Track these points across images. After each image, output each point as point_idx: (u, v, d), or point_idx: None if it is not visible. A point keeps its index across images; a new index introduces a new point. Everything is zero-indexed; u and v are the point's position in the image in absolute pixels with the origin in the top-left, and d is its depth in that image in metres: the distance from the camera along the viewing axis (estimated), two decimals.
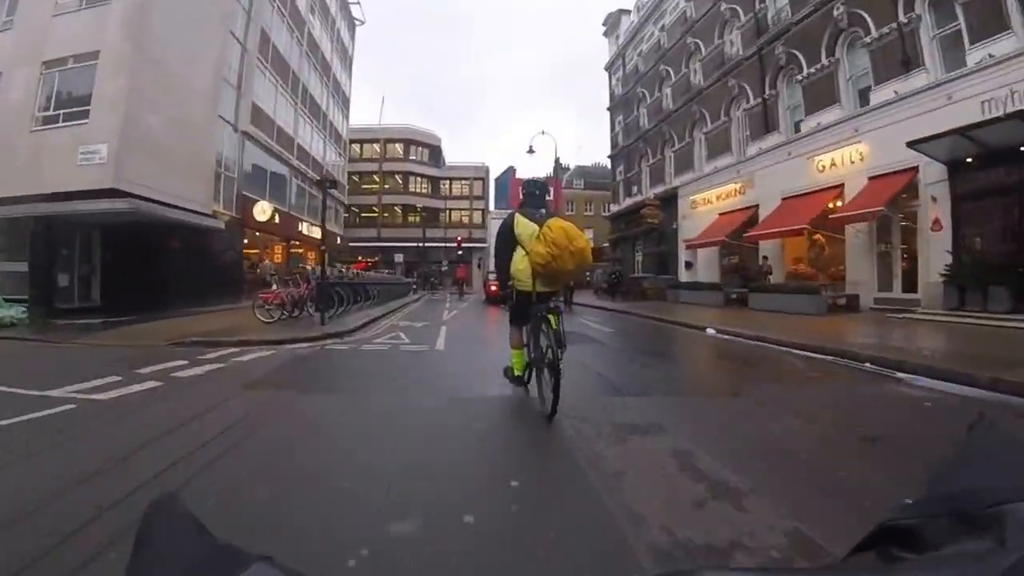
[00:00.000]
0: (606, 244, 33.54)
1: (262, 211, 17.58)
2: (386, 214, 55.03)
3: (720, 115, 21.20)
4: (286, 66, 21.16)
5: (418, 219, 53.21)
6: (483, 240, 51.32)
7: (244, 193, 17.82)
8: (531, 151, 26.16)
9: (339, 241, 29.85)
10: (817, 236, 16.46)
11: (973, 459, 0.44)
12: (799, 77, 17.10)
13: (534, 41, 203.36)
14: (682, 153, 23.92)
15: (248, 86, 17.83)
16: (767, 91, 18.68)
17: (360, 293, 14.87)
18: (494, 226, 50.66)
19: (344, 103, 32.18)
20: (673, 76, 24.95)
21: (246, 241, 20.63)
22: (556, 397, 3.57)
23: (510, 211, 4.37)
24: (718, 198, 20.82)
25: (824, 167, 15.82)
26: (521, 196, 4.36)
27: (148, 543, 0.36)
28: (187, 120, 14.33)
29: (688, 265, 22.88)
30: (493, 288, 17.12)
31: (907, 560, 0.36)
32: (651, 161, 26.83)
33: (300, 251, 27.30)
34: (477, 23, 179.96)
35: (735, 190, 19.78)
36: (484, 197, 55.10)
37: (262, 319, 9.70)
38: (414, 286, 28.22)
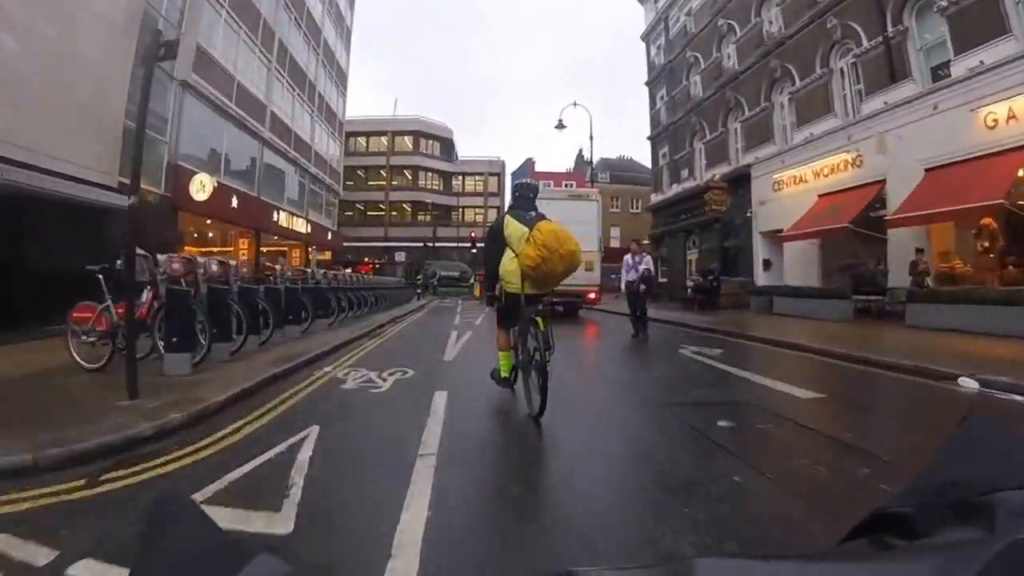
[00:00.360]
0: (646, 241, 28.49)
1: (200, 187, 12.95)
2: (394, 212, 50.57)
3: (814, 67, 16.12)
4: (252, 10, 16.54)
5: (428, 217, 48.65)
6: None
7: (182, 165, 13.18)
8: (561, 126, 21.25)
9: (329, 237, 25.16)
10: (987, 221, 11.30)
11: (964, 450, 0.45)
12: (942, 3, 11.99)
13: (550, 37, 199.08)
14: (755, 123, 18.81)
15: (191, 21, 13.23)
16: (889, 28, 13.58)
17: (346, 301, 10.85)
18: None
19: (340, 78, 27.63)
20: (738, 30, 19.91)
21: (195, 234, 16.00)
22: (544, 398, 3.60)
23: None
24: (816, 175, 15.68)
25: (996, 121, 10.70)
26: (512, 198, 4.33)
27: (155, 537, 0.36)
28: (79, 53, 9.72)
29: (767, 264, 17.76)
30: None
31: (900, 546, 0.37)
32: (708, 137, 21.75)
33: (283, 249, 22.71)
34: (489, 21, 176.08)
35: (845, 162, 14.64)
36: (499, 194, 50.29)
37: (79, 359, 4.88)
38: (418, 291, 23.50)
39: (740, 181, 18.92)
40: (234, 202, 15.27)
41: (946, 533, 0.36)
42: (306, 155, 22.19)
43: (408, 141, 50.28)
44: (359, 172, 50.76)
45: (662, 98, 26.80)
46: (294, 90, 20.69)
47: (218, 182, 14.31)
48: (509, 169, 51.85)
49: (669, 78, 25.71)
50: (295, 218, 20.49)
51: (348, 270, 26.80)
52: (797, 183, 16.40)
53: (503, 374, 4.34)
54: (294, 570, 0.33)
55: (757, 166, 18.16)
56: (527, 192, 4.27)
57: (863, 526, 0.41)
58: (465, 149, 53.37)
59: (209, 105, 14.60)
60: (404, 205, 49.20)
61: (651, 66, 28.48)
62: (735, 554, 0.61)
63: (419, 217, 48.39)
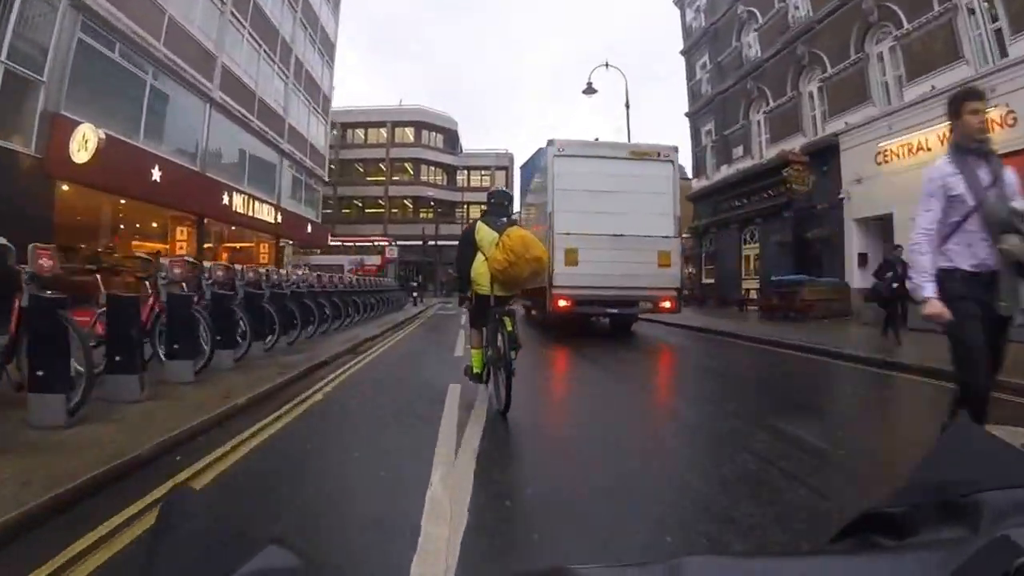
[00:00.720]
0: (686, 235, 24.46)
1: (82, 143, 8.91)
2: (395, 209, 46.63)
3: (931, 4, 12.03)
4: None
5: (431, 214, 44.65)
6: None
7: (65, 116, 9.20)
8: (590, 90, 17.22)
9: (310, 230, 21.14)
10: None
11: (950, 453, 0.46)
12: None
13: (566, 25, 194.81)
14: (842, 81, 14.65)
15: None
16: None
17: (323, 309, 8.44)
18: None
19: (325, 46, 23.70)
20: None
21: (112, 214, 12.01)
22: (508, 394, 3.90)
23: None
24: (945, 139, 11.51)
25: None
26: (488, 205, 4.50)
27: (165, 532, 0.37)
28: None
29: (863, 259, 13.62)
30: (563, 303, 8.62)
31: (887, 545, 0.38)
32: (771, 105, 17.60)
33: (249, 245, 18.74)
34: (498, 7, 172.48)
35: (990, 122, 10.51)
36: (508, 189, 46.38)
37: None
38: (414, 295, 19.48)
39: (820, 156, 14.80)
40: (155, 174, 11.25)
41: (933, 532, 0.37)
42: (277, 128, 18.25)
43: (410, 133, 46.42)
44: (357, 166, 46.96)
45: (703, 67, 22.68)
46: (260, 46, 16.75)
47: (115, 140, 10.26)
48: (518, 162, 47.78)
49: (712, 42, 21.59)
50: (260, 204, 16.49)
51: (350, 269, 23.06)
52: (912, 153, 12.25)
53: (475, 370, 4.49)
54: (302, 561, 0.33)
55: (848, 135, 14.02)
56: (501, 199, 4.50)
57: (852, 525, 0.42)
58: (471, 143, 49.27)
59: (124, 41, 10.66)
60: (405, 201, 45.28)
61: (687, 32, 24.36)
62: (725, 552, 0.55)
63: (421, 213, 44.44)
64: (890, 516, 0.40)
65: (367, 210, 46.35)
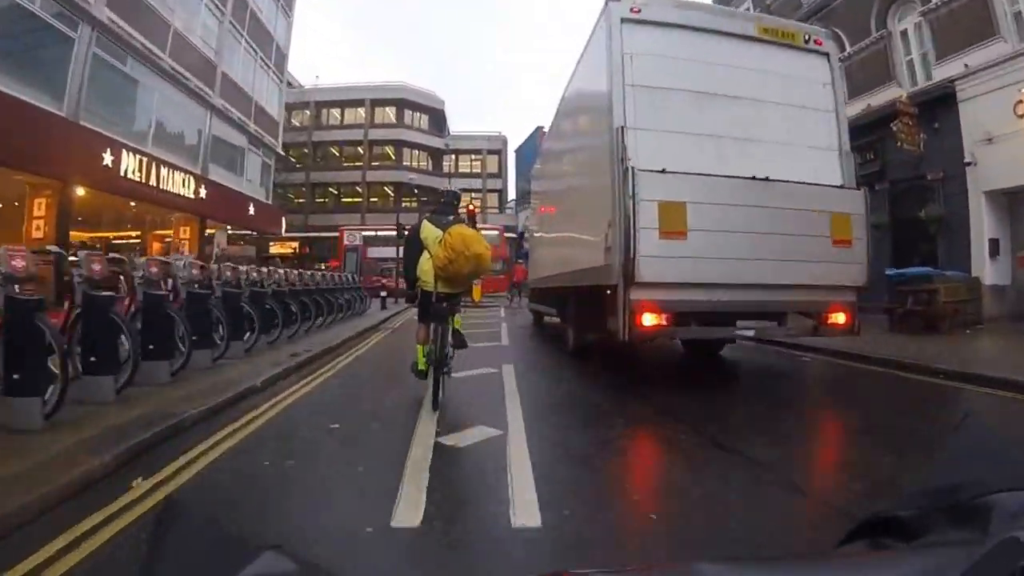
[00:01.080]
0: None
1: None
2: (374, 197, 42.30)
3: None
4: None
5: (414, 202, 40.49)
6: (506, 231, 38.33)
7: None
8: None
9: (252, 212, 16.75)
10: None
11: (959, 456, 0.46)
12: None
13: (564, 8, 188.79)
14: (953, 13, 10.86)
15: None
16: None
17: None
18: (506, 219, 36.64)
19: None
20: None
21: None
22: (437, 391, 4.08)
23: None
24: None
25: None
26: (437, 204, 4.71)
27: (164, 536, 0.37)
28: None
29: (995, 247, 9.93)
30: (653, 318, 4.27)
31: (896, 548, 0.38)
32: (847, 52, 13.79)
33: (169, 233, 14.54)
34: None
35: None
36: (501, 175, 42.20)
37: None
38: (382, 294, 15.43)
39: (927, 111, 11.05)
40: None
41: (942, 535, 0.36)
42: (205, 76, 14.02)
43: (391, 113, 42.07)
44: (333, 149, 42.60)
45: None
46: None
47: None
48: (512, 145, 43.70)
49: None
50: (172, 172, 12.28)
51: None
52: None
53: (419, 367, 4.51)
54: (300, 567, 0.33)
55: (969, 81, 10.27)
56: (450, 199, 4.70)
57: (861, 528, 0.41)
58: (460, 126, 44.91)
59: None
60: (385, 187, 40.99)
61: None
62: (733, 557, 0.51)
63: (404, 202, 40.19)
64: (899, 519, 0.39)
65: (344, 199, 42.04)
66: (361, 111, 42.04)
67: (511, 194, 43.87)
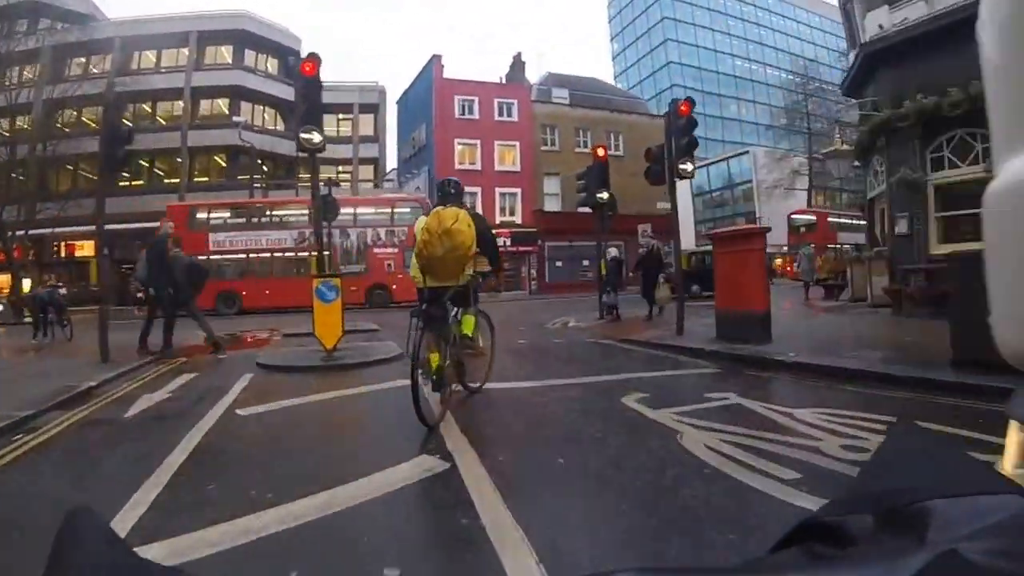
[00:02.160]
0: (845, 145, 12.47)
1: None
2: (198, 167, 30.85)
3: None
4: None
5: (261, 177, 29.67)
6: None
7: None
8: None
9: None
10: None
11: (894, 459, 0.45)
12: None
13: None
14: None
15: None
16: None
17: None
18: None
19: None
20: None
21: None
22: (418, 406, 3.37)
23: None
24: None
25: None
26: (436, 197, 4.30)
27: (62, 556, 0.36)
28: None
29: None
30: None
31: (829, 556, 0.37)
32: None
33: None
34: None
35: None
36: (377, 139, 31.95)
37: None
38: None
39: None
40: None
41: (877, 542, 0.36)
42: None
43: (226, 52, 30.60)
44: (144, 105, 30.62)
45: None
46: None
47: None
48: (392, 97, 33.32)
49: None
50: None
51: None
52: None
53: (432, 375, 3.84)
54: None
55: None
56: (448, 188, 4.19)
57: (792, 534, 0.40)
58: (324, 74, 34.10)
59: None
60: (215, 154, 29.75)
61: None
62: (659, 567, 0.36)
63: (241, 176, 29.08)
64: (832, 525, 0.38)
65: (158, 169, 30.32)
66: (183, 51, 30.30)
67: (391, 162, 33.76)
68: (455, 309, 3.93)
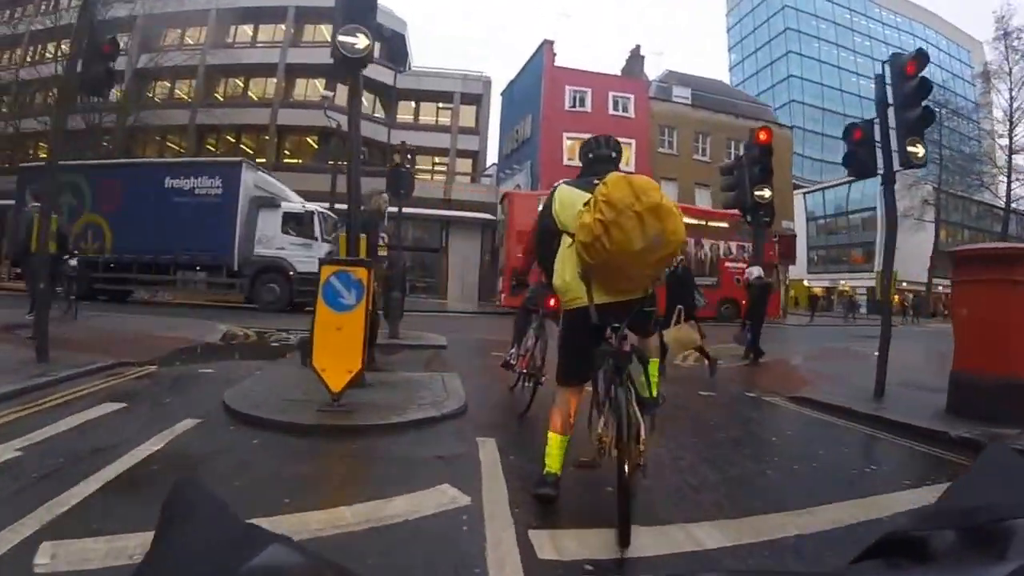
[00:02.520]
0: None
1: None
2: (287, 147, 28.89)
3: None
4: None
5: (347, 159, 27.55)
6: (477, 210, 25.48)
7: None
8: None
9: None
10: None
11: (983, 478, 0.45)
12: None
13: None
14: None
15: None
16: None
17: None
18: (483, 193, 22.72)
19: None
20: None
21: None
22: (627, 523, 1.89)
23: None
24: None
25: None
26: (581, 164, 2.78)
27: (171, 523, 0.37)
28: None
29: None
30: None
31: (910, 569, 0.37)
32: None
33: None
34: None
35: None
36: (479, 132, 29.43)
37: None
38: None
39: None
40: None
41: (957, 558, 0.36)
42: None
43: (325, 31, 28.84)
44: (237, 79, 29.01)
45: None
46: None
47: None
48: (497, 88, 30.92)
49: None
50: None
51: None
52: None
53: (549, 471, 2.34)
54: (307, 560, 0.34)
55: None
56: (599, 150, 2.74)
57: (875, 547, 0.40)
58: (425, 59, 31.72)
59: None
60: (307, 136, 27.71)
61: None
62: (742, 571, 0.57)
63: (331, 159, 26.80)
64: (914, 540, 0.38)
65: (245, 144, 28.49)
66: (279, 27, 28.70)
67: (491, 157, 31.23)
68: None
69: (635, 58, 27.95)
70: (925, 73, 5.02)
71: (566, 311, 2.48)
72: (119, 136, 23.54)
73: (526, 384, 4.30)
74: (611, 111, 26.09)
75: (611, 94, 26.32)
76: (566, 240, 2.43)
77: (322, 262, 4.04)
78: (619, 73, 27.90)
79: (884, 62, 5.38)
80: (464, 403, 4.13)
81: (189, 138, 27.06)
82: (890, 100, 5.11)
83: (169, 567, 0.33)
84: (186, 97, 27.35)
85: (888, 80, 5.13)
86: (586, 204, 2.27)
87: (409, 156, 11.82)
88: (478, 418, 3.96)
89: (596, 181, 2.34)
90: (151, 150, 26.88)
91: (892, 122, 5.15)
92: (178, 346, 6.76)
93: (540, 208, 2.77)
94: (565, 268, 2.41)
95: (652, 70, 29.17)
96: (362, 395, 4.09)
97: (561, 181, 2.72)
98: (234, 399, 3.89)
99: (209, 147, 28.30)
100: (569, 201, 2.46)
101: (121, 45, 21.83)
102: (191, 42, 27.83)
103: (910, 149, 5.11)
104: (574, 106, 25.98)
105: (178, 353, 6.34)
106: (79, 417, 3.51)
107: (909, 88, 5.05)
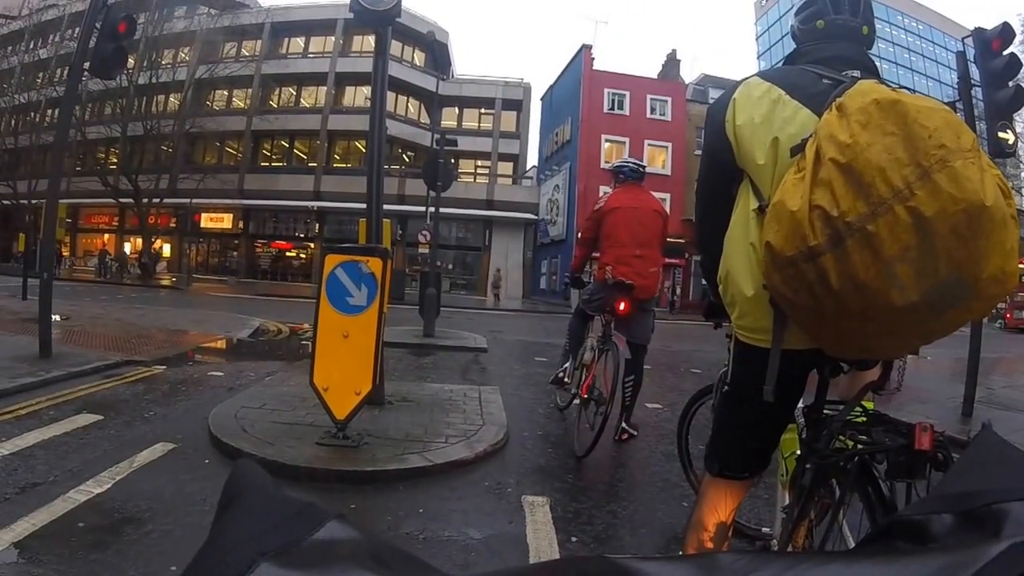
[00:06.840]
0: None
1: None
2: (336, 152, 30.25)
3: None
4: None
5: (397, 164, 28.59)
6: (518, 210, 26.31)
7: None
8: None
9: None
10: None
11: (976, 465, 0.48)
12: None
13: None
14: None
15: None
16: None
17: None
18: (524, 194, 23.79)
19: None
20: None
21: None
22: None
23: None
24: None
25: None
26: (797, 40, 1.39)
27: (234, 499, 0.39)
28: None
29: None
30: None
31: (911, 549, 0.40)
32: None
33: None
34: None
35: None
36: (519, 135, 30.36)
37: None
38: None
39: None
40: None
41: (954, 539, 0.39)
42: None
43: (372, 41, 30.27)
44: (290, 88, 30.51)
45: None
46: None
47: None
48: (537, 93, 31.80)
49: None
50: None
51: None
52: None
53: None
54: (362, 536, 0.35)
55: None
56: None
57: (878, 532, 0.43)
58: (466, 67, 32.70)
59: None
60: (355, 140, 29.02)
61: None
62: (752, 550, 0.56)
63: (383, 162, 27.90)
64: (914, 523, 0.41)
65: (298, 151, 29.94)
66: (329, 39, 30.11)
67: (531, 159, 32.06)
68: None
69: (671, 62, 28.49)
70: (948, 79, 4.90)
71: (739, 342, 1.31)
72: (178, 141, 25.01)
73: (584, 410, 3.35)
74: (649, 114, 26.64)
75: (649, 97, 26.84)
76: (747, 196, 1.25)
77: (327, 250, 3.42)
78: (659, 74, 28.48)
79: (964, 38, 4.87)
80: (505, 434, 3.38)
81: (245, 143, 28.54)
82: (974, 80, 4.62)
83: (236, 539, 0.35)
84: (242, 104, 28.86)
85: (971, 59, 4.66)
86: (812, 142, 1.04)
87: (447, 144, 9.94)
88: (523, 458, 3.19)
89: (831, 77, 1.19)
90: (210, 155, 28.42)
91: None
92: (201, 342, 6.50)
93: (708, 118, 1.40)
94: (740, 263, 1.24)
95: (687, 74, 29.73)
96: (377, 419, 3.41)
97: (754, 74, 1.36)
98: (220, 420, 3.26)
99: (264, 151, 29.85)
100: (761, 107, 1.21)
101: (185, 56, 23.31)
102: (247, 54, 29.33)
103: (1000, 135, 4.42)
104: (612, 109, 26.59)
105: (197, 351, 6.08)
106: (36, 435, 2.95)
107: (996, 66, 4.42)
